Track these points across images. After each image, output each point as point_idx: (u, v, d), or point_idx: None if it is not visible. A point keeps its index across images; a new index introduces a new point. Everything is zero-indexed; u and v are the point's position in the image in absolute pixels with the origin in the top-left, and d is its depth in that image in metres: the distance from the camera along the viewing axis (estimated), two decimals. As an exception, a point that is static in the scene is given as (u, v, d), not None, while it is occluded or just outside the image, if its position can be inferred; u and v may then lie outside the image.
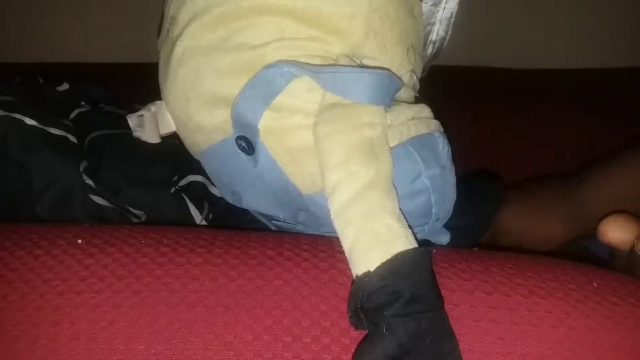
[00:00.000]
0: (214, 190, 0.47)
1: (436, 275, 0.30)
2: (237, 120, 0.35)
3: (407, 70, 0.38)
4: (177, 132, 0.42)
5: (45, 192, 0.42)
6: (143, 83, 0.44)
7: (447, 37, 0.45)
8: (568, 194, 0.55)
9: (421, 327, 0.27)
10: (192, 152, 0.42)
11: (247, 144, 0.36)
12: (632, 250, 0.37)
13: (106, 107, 0.52)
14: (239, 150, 0.36)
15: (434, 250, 0.32)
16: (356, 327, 0.29)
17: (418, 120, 0.36)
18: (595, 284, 0.31)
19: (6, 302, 0.28)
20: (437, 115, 0.37)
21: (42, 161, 0.43)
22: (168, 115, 0.41)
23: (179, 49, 0.37)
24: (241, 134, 0.36)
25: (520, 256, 0.35)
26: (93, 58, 0.82)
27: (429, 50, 0.45)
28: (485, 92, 0.78)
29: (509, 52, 0.89)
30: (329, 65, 0.34)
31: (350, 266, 0.30)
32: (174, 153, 0.45)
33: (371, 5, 0.35)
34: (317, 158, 0.33)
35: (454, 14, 0.43)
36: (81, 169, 0.43)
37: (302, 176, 0.35)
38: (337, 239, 0.31)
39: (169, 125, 0.41)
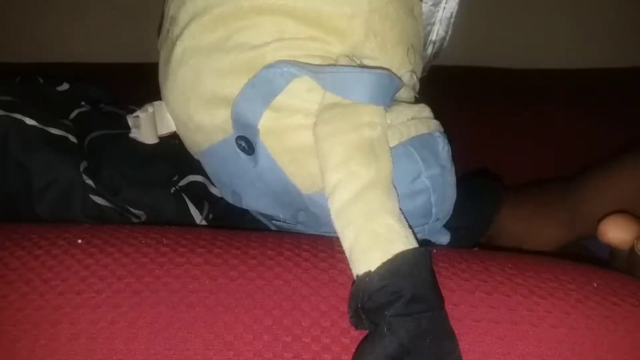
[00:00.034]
0: (214, 190, 0.47)
1: (436, 275, 0.30)
2: (237, 120, 0.35)
3: (407, 70, 0.38)
4: (177, 132, 0.42)
5: (45, 192, 0.42)
6: (143, 83, 0.44)
7: (447, 37, 0.45)
8: (567, 197, 0.55)
9: (422, 327, 0.27)
10: (192, 152, 0.42)
11: (247, 144, 0.36)
12: (632, 250, 0.37)
13: (106, 107, 0.52)
14: (239, 150, 0.36)
15: (434, 250, 0.32)
16: (357, 327, 0.29)
17: (418, 120, 0.36)
18: (595, 284, 0.31)
19: (6, 302, 0.28)
20: (437, 115, 0.37)
21: (42, 161, 0.43)
22: (168, 115, 0.41)
23: (179, 49, 0.37)
24: (241, 134, 0.36)
25: (520, 256, 0.35)
26: (93, 58, 0.82)
27: (429, 50, 0.45)
28: (485, 92, 0.78)
29: (509, 52, 0.89)
30: (329, 65, 0.34)
31: (351, 266, 0.30)
32: (173, 153, 0.45)
33: (371, 5, 0.35)
34: (317, 158, 0.33)
35: (454, 14, 0.43)
36: (81, 169, 0.43)
37: (302, 176, 0.35)
38: (337, 239, 0.31)
39: (168, 125, 0.41)
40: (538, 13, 0.90)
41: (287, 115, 0.34)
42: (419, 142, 0.35)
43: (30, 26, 0.88)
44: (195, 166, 0.45)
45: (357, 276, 0.29)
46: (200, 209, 0.45)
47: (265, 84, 0.34)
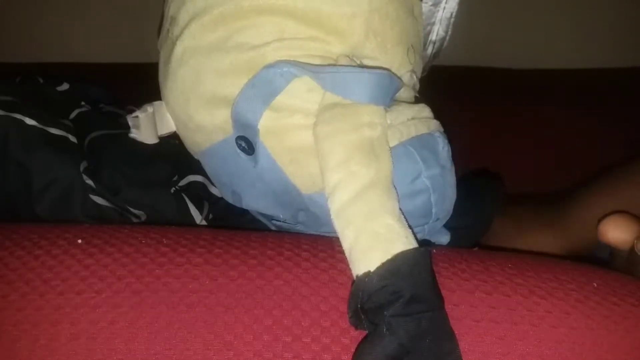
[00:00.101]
0: (214, 190, 0.47)
1: (436, 275, 0.30)
2: (237, 120, 0.35)
3: (407, 70, 0.38)
4: (177, 132, 0.42)
5: (45, 192, 0.42)
6: (143, 83, 0.44)
7: (447, 37, 0.45)
8: (565, 211, 0.55)
9: (421, 327, 0.27)
10: (192, 152, 0.42)
11: (247, 144, 0.36)
12: (632, 250, 0.37)
13: (106, 107, 0.52)
14: (239, 150, 0.36)
15: (434, 250, 0.32)
16: (356, 327, 0.29)
17: (418, 120, 0.36)
18: (595, 284, 0.31)
19: (6, 302, 0.28)
20: (437, 115, 0.37)
21: (42, 161, 0.42)
22: (168, 115, 0.41)
23: (179, 49, 0.37)
24: (241, 134, 0.36)
25: (520, 256, 0.35)
26: (93, 58, 0.82)
27: (429, 50, 0.45)
28: (485, 92, 0.78)
29: (509, 52, 0.89)
30: (329, 65, 0.34)
31: (350, 266, 0.30)
32: (173, 153, 0.45)
33: (371, 5, 0.35)
34: (317, 158, 0.33)
35: (454, 14, 0.43)
36: (81, 169, 0.43)
37: (302, 176, 0.35)
38: (337, 239, 0.31)
39: (168, 125, 0.41)
40: (538, 13, 0.90)
41: (287, 115, 0.34)
42: (419, 142, 0.35)
43: (30, 26, 0.88)
44: (195, 166, 0.44)
45: (357, 276, 0.29)
46: (200, 209, 0.45)
47: (265, 84, 0.34)
